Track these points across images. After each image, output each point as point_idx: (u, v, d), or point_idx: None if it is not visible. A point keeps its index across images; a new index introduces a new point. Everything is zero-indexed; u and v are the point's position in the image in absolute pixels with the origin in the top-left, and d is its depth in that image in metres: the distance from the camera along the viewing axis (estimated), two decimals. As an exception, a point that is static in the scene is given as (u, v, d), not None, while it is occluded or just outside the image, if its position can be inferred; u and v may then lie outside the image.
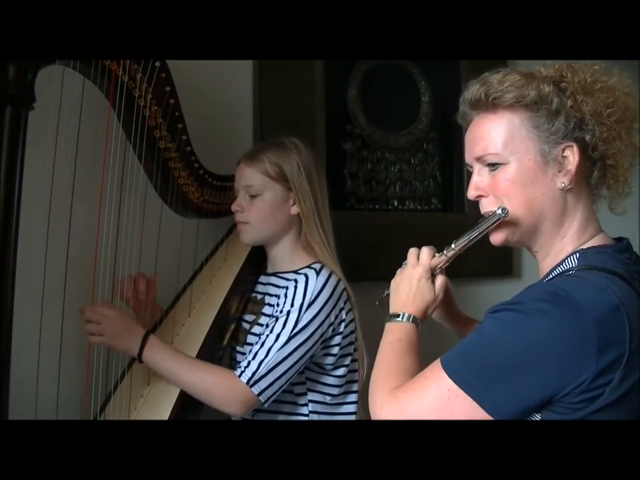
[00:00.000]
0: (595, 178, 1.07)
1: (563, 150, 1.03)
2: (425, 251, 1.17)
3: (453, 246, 1.14)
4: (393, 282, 1.19)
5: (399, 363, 1.07)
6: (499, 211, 1.04)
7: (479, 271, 2.26)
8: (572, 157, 1.03)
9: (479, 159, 1.08)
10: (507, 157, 1.04)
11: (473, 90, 1.08)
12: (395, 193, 2.23)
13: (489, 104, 1.05)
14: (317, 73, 2.03)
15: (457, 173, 2.34)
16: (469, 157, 1.11)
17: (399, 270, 1.20)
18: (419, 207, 2.27)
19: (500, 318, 0.96)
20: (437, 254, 1.16)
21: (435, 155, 2.31)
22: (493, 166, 1.06)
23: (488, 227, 1.07)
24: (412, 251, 1.19)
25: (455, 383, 0.95)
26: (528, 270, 2.43)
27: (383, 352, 1.11)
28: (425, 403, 0.97)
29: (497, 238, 1.09)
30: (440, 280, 1.17)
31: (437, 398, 0.96)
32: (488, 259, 2.28)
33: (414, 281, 1.15)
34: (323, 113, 2.04)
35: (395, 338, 1.11)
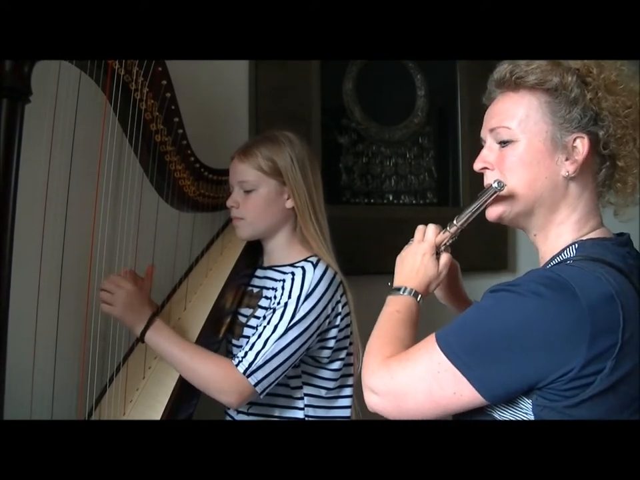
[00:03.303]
0: (602, 175, 1.08)
1: (574, 139, 1.04)
2: (431, 228, 1.18)
3: (454, 222, 1.15)
4: (398, 257, 1.20)
5: (395, 334, 1.08)
6: (495, 184, 1.06)
7: (474, 265, 2.27)
8: (581, 147, 1.04)
9: (492, 131, 1.10)
10: (519, 135, 1.06)
11: (500, 69, 1.10)
12: (390, 187, 2.23)
13: (513, 83, 1.08)
14: (313, 66, 2.03)
15: (453, 167, 2.34)
16: (484, 130, 1.13)
17: (405, 246, 1.21)
18: (414, 201, 2.28)
19: (497, 297, 0.98)
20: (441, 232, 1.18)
21: (431, 149, 2.31)
22: (504, 143, 1.08)
23: (485, 201, 1.09)
24: (419, 228, 1.20)
25: (447, 357, 0.96)
26: (522, 264, 2.44)
27: (381, 322, 1.12)
28: (415, 373, 0.98)
29: (492, 213, 1.10)
30: (444, 258, 1.18)
31: (427, 370, 0.97)
32: (483, 253, 2.30)
33: (418, 257, 1.16)
34: (318, 106, 2.04)
35: (394, 309, 1.12)
